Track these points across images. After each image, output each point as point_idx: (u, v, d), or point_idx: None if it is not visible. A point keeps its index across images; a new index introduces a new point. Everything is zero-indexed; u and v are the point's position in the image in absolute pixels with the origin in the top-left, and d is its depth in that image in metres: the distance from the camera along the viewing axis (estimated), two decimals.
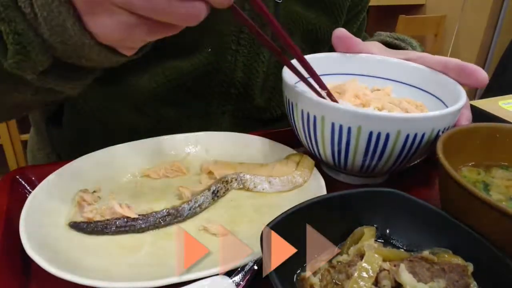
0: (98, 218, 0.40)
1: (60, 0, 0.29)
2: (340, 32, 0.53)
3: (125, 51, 0.34)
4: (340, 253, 0.34)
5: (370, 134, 0.40)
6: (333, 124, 0.41)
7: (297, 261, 0.32)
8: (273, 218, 0.32)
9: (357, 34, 0.61)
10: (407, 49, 0.62)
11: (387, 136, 0.40)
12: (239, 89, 0.62)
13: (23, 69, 0.34)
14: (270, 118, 0.68)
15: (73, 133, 0.65)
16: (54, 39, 0.33)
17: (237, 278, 0.33)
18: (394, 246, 0.36)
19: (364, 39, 0.70)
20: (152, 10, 0.27)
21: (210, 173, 0.48)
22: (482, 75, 0.45)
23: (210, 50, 0.58)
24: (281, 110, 0.69)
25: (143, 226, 0.40)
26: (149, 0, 0.27)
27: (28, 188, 0.45)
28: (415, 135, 0.40)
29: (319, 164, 0.50)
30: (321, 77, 0.45)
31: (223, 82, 0.61)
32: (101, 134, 0.63)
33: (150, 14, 0.28)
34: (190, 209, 0.42)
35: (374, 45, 0.56)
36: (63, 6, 0.30)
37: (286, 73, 0.46)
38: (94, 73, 0.41)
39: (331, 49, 0.55)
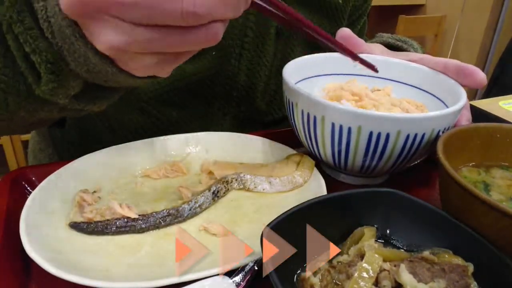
0: (98, 218, 0.40)
1: (76, 36, 0.29)
2: (344, 32, 0.53)
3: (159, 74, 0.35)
4: (340, 253, 0.34)
5: (370, 134, 0.40)
6: (333, 124, 0.41)
7: (297, 261, 0.32)
8: (273, 218, 0.32)
9: None
10: (409, 50, 0.62)
11: (387, 136, 0.40)
12: (241, 92, 0.62)
13: (56, 95, 0.35)
14: (271, 120, 0.68)
15: (76, 134, 0.65)
16: (80, 69, 0.33)
17: (237, 278, 0.33)
18: (394, 246, 0.36)
19: None
20: (170, 47, 0.28)
21: (210, 173, 0.48)
22: (480, 76, 0.45)
23: (214, 53, 0.58)
24: (282, 112, 0.69)
25: (143, 226, 0.40)
26: (163, 40, 0.27)
27: (28, 188, 0.45)
28: (415, 135, 0.40)
29: (319, 164, 0.50)
30: (321, 77, 0.45)
31: (226, 85, 0.61)
32: (103, 134, 0.63)
33: (169, 50, 0.28)
34: (190, 209, 0.42)
35: (376, 47, 0.56)
36: (80, 41, 0.30)
37: (287, 73, 0.46)
38: (121, 91, 0.41)
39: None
